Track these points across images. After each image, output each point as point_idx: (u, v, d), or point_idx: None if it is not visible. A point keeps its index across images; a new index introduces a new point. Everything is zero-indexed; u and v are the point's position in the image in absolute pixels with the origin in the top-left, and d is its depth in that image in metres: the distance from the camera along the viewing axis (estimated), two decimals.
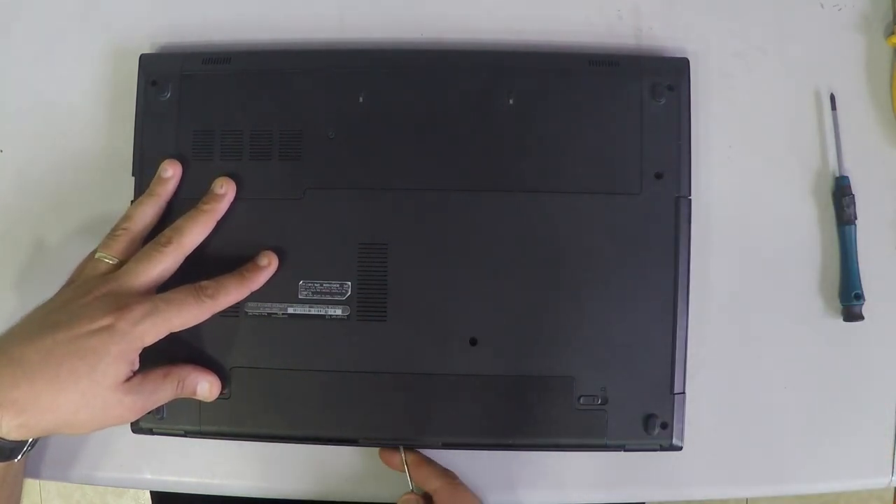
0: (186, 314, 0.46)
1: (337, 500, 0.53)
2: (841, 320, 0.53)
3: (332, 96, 0.51)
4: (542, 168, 0.50)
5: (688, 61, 0.51)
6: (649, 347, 0.49)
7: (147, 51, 0.54)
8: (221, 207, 0.49)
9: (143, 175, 0.51)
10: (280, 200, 0.50)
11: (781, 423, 0.53)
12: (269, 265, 0.49)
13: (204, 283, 0.47)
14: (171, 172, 0.50)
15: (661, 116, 0.50)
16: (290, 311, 0.50)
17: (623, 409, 0.49)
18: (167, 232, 0.48)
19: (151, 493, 0.71)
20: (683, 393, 0.49)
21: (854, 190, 0.52)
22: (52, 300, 0.47)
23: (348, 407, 0.49)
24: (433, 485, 0.49)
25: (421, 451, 0.51)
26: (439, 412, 0.49)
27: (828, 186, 0.53)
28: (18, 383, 0.43)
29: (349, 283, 0.50)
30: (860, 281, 0.52)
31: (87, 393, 0.44)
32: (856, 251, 0.52)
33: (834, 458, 0.53)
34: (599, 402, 0.49)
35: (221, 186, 0.49)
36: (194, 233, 0.49)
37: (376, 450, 0.52)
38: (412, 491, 0.50)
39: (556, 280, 0.49)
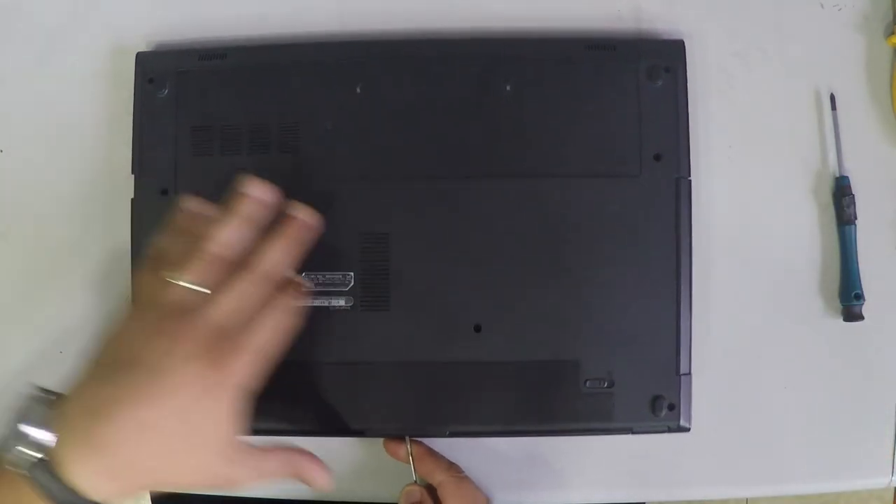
0: (278, 343, 0.43)
1: (337, 499, 0.52)
2: (841, 320, 0.52)
3: (329, 88, 0.51)
4: (541, 153, 0.50)
5: (683, 43, 0.51)
6: (654, 329, 0.49)
7: (143, 49, 0.54)
8: (304, 235, 0.45)
9: (143, 173, 0.51)
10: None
11: (781, 423, 0.53)
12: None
13: (285, 303, 0.43)
14: (261, 193, 0.45)
15: (659, 98, 0.50)
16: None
17: (629, 392, 0.49)
18: (257, 262, 0.43)
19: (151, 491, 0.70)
20: (690, 374, 0.49)
21: (854, 190, 0.52)
22: (135, 334, 0.41)
23: (353, 398, 0.49)
24: (438, 478, 0.49)
25: (427, 441, 0.51)
26: (445, 400, 0.49)
27: (828, 186, 0.53)
28: (116, 451, 0.37)
29: (351, 274, 0.49)
30: (860, 281, 0.52)
31: (194, 464, 0.40)
32: (856, 251, 0.52)
33: (834, 458, 0.53)
34: (606, 385, 0.49)
35: (301, 212, 0.45)
36: (283, 261, 0.44)
37: (376, 448, 0.51)
38: (415, 482, 0.49)
39: (559, 265, 0.49)
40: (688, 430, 0.49)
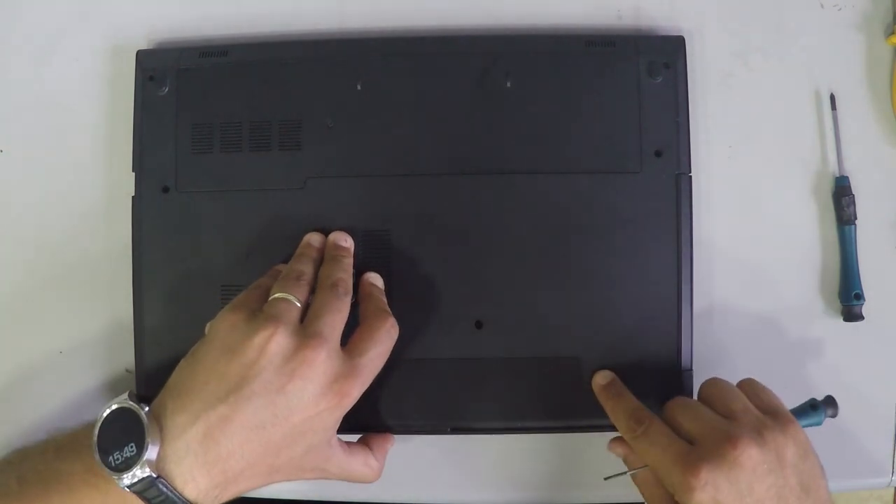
0: (385, 357, 0.45)
1: (337, 500, 0.52)
2: (841, 320, 0.52)
3: (330, 85, 0.51)
4: (542, 150, 0.50)
5: (683, 39, 0.51)
6: (655, 325, 0.49)
7: (144, 47, 0.54)
8: (352, 253, 0.49)
9: (143, 170, 0.51)
10: (281, 191, 0.50)
11: None
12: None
13: (380, 312, 0.46)
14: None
15: (659, 95, 0.50)
16: None
17: (631, 388, 0.48)
18: (338, 282, 0.46)
19: None
20: (691, 370, 0.49)
21: (854, 190, 0.52)
22: (245, 343, 0.41)
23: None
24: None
25: (427, 440, 0.51)
26: (446, 397, 0.49)
27: (828, 186, 0.53)
28: (227, 467, 0.40)
29: (352, 271, 0.49)
30: (860, 281, 0.52)
31: (291, 471, 0.43)
32: (856, 251, 0.52)
33: (834, 458, 0.52)
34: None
35: (346, 240, 0.49)
36: (351, 279, 0.47)
37: None
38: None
39: (560, 261, 0.49)
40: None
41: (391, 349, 0.45)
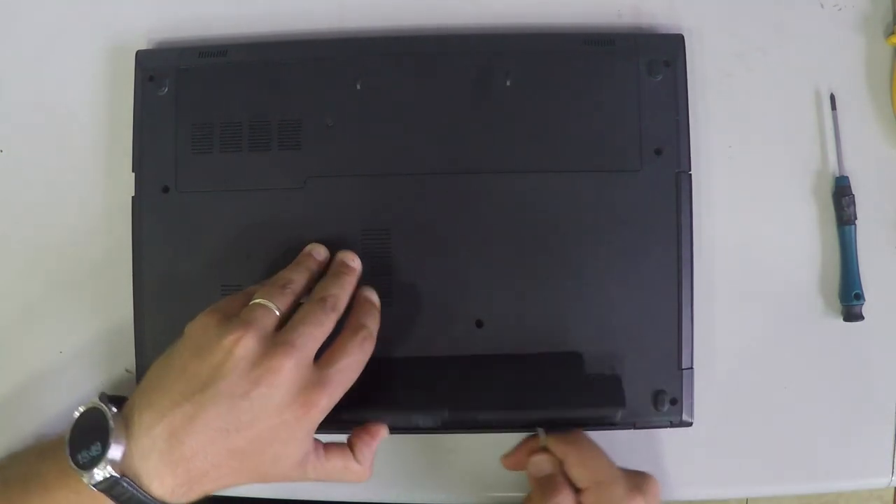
0: (358, 373, 0.44)
1: (337, 500, 0.52)
2: (841, 320, 0.52)
3: (330, 84, 0.51)
4: (542, 148, 0.50)
5: (683, 37, 0.51)
6: (655, 323, 0.49)
7: (144, 47, 0.54)
8: (357, 276, 0.48)
9: (143, 171, 0.51)
10: (281, 191, 0.50)
11: (781, 422, 0.53)
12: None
13: (356, 325, 0.45)
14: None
15: (659, 93, 0.50)
16: None
17: (631, 387, 0.49)
18: (328, 297, 0.45)
19: None
20: (692, 368, 0.49)
21: (854, 190, 0.52)
22: (214, 344, 0.41)
23: (354, 393, 0.49)
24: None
25: (427, 438, 0.51)
26: (447, 395, 0.49)
27: (828, 186, 0.53)
28: (192, 467, 0.40)
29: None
30: (860, 281, 0.52)
31: (258, 475, 0.42)
32: (856, 251, 0.52)
33: (834, 458, 0.53)
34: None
35: (353, 260, 0.48)
36: (346, 299, 0.46)
37: (378, 448, 0.51)
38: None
39: (561, 259, 0.49)
40: (690, 424, 0.49)
41: (364, 362, 0.45)
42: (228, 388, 0.40)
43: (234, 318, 0.42)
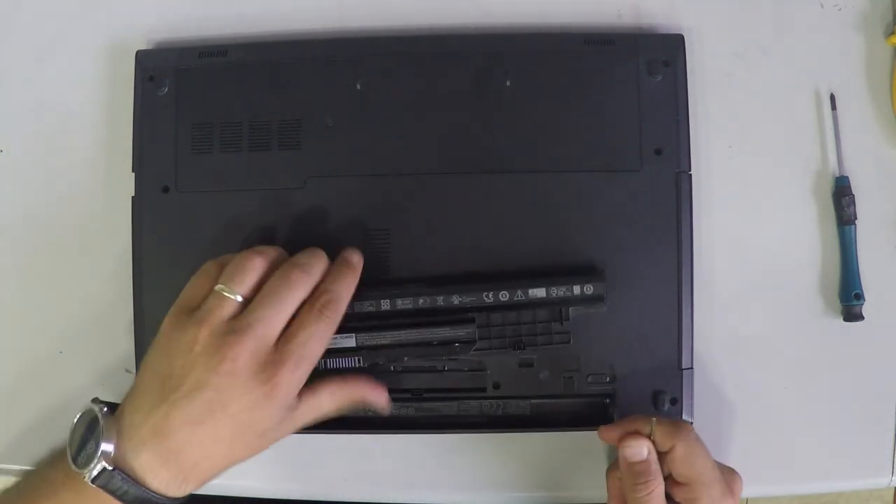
0: (323, 343, 0.44)
1: (337, 500, 0.52)
2: (841, 320, 0.52)
3: (330, 84, 0.51)
4: (541, 148, 0.50)
5: (682, 37, 0.51)
6: (655, 324, 0.49)
7: (143, 47, 0.54)
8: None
9: (143, 171, 0.51)
10: (281, 190, 0.50)
11: (781, 422, 0.53)
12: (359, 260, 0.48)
13: (321, 300, 0.44)
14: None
15: (659, 93, 0.50)
16: None
17: (631, 387, 0.49)
18: (323, 296, 0.45)
19: None
20: (692, 368, 0.49)
21: (854, 190, 0.52)
22: (183, 349, 0.43)
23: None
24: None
25: (427, 438, 0.51)
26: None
27: (828, 186, 0.53)
28: (182, 457, 0.42)
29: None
30: (860, 281, 0.52)
31: (252, 450, 0.44)
32: (856, 251, 0.52)
33: (834, 458, 0.53)
34: (607, 380, 0.49)
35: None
36: (347, 299, 0.46)
37: (376, 448, 0.51)
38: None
39: (561, 259, 0.49)
40: (690, 424, 0.49)
41: (328, 329, 0.44)
42: (195, 384, 0.42)
43: (194, 313, 0.44)
